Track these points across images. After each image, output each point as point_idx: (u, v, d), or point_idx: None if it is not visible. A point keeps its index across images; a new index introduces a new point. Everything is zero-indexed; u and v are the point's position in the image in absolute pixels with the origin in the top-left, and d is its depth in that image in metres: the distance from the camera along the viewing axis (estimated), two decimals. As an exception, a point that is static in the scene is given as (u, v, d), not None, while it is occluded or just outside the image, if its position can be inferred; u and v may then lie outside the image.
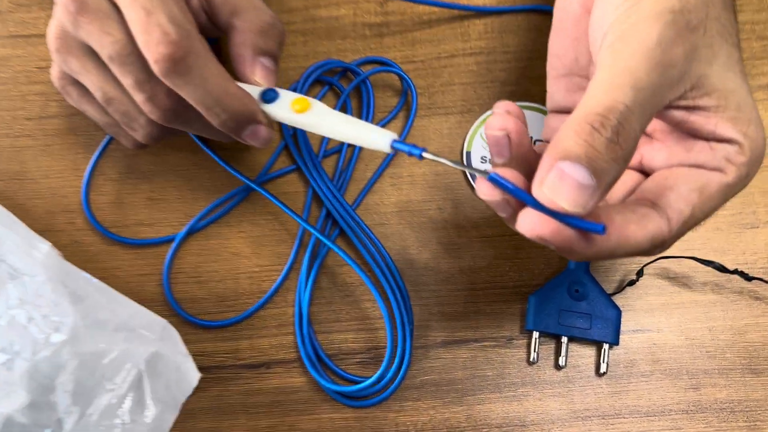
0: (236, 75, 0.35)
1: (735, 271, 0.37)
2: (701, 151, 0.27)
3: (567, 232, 0.23)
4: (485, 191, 0.25)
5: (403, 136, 0.41)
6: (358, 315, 0.38)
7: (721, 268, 0.37)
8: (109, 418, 0.33)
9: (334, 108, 0.41)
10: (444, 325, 0.38)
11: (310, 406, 0.37)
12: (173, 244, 0.39)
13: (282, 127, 0.41)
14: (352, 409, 0.37)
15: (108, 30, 0.31)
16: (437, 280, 0.39)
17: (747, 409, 0.37)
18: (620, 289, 0.38)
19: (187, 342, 0.37)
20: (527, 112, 0.41)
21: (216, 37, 0.38)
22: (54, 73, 0.36)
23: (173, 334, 0.36)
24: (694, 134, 0.27)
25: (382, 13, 0.44)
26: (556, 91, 0.33)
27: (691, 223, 0.27)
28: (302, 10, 0.44)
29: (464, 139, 0.41)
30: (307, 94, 0.41)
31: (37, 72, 0.43)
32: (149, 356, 0.35)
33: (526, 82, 0.42)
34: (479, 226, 0.40)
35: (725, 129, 0.26)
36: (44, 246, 0.36)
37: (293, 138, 0.40)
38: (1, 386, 0.33)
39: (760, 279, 0.37)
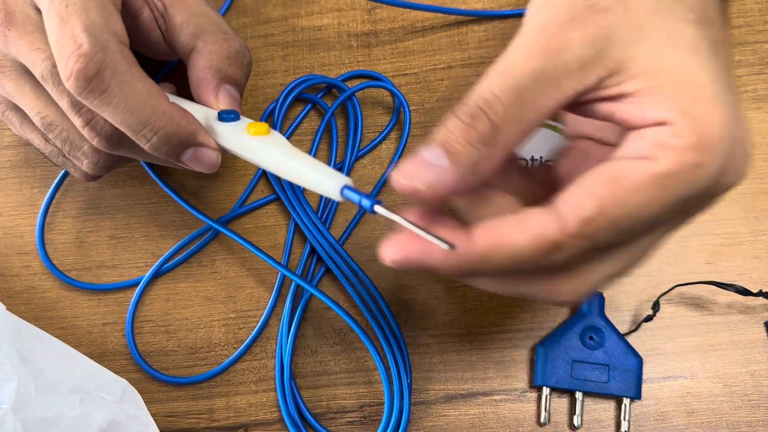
0: (197, 100, 0.30)
1: (759, 293, 0.33)
2: (629, 141, 0.23)
3: (415, 248, 0.22)
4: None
5: (395, 158, 0.37)
6: (349, 367, 0.34)
7: (743, 291, 0.32)
8: (59, 500, 0.29)
9: (317, 129, 0.37)
10: (447, 376, 0.34)
11: (295, 473, 0.32)
12: (137, 289, 0.35)
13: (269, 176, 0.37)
14: (343, 477, 0.32)
15: (37, 45, 0.27)
16: (437, 324, 0.34)
17: (798, 468, 0.32)
18: (636, 327, 0.33)
19: (154, 401, 0.33)
20: (554, 134, 0.36)
21: (169, 60, 0.33)
22: None
23: (135, 396, 0.32)
24: (628, 125, 0.23)
25: (370, 21, 0.39)
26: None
27: (602, 222, 0.22)
28: (281, 20, 0.39)
29: None
30: (287, 113, 0.37)
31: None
32: (107, 424, 0.30)
33: (533, 95, 0.37)
34: (484, 261, 0.35)
35: (654, 110, 0.22)
36: (-14, 298, 0.32)
37: None
38: (-64, 464, 0.29)
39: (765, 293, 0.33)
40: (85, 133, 0.29)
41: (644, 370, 0.33)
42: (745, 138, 0.22)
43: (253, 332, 0.34)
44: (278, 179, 0.36)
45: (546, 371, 0.32)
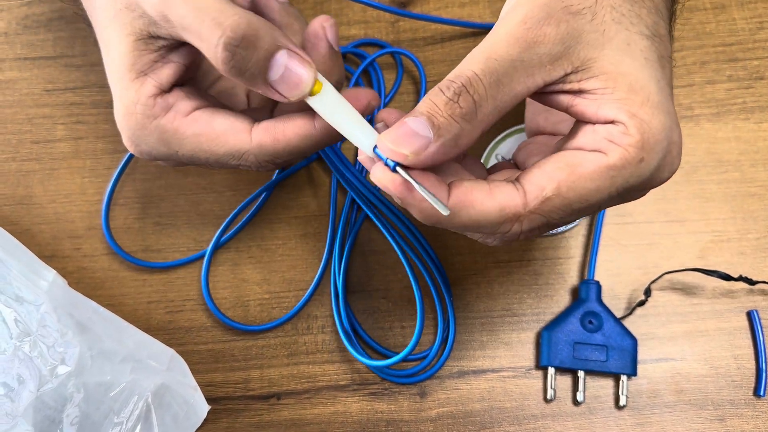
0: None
1: (739, 278, 0.36)
2: (584, 134, 0.26)
3: (403, 182, 0.25)
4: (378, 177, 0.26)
5: None
6: (396, 309, 0.37)
7: (725, 277, 0.36)
8: (116, 453, 0.32)
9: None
10: (460, 354, 0.37)
11: (323, 438, 0.36)
12: (205, 259, 0.38)
13: None
14: (365, 442, 0.36)
15: None
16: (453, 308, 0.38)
17: (776, 442, 0.35)
18: (631, 311, 0.37)
19: (195, 372, 0.36)
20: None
21: None
22: None
23: (181, 364, 0.35)
24: (582, 118, 0.26)
25: (394, 32, 0.43)
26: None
27: (558, 202, 0.25)
28: (313, 30, 0.43)
29: (481, 158, 0.40)
30: None
31: (44, 95, 0.43)
32: (157, 388, 0.34)
33: (542, 102, 0.41)
34: (495, 252, 0.38)
35: (608, 110, 0.25)
36: (50, 274, 0.35)
37: None
38: (5, 419, 0.33)
39: (764, 282, 0.37)
40: None
41: (638, 352, 0.36)
42: (679, 142, 0.26)
43: (292, 310, 0.38)
44: None
45: (550, 353, 0.36)
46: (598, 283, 0.37)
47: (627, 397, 0.35)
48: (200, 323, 0.38)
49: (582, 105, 0.26)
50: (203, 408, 0.35)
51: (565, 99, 0.26)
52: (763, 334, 0.37)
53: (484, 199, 0.25)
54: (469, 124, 0.25)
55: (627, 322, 0.37)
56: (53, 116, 0.42)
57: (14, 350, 0.34)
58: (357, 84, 0.41)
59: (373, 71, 0.41)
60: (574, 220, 0.27)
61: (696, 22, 0.42)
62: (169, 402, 0.34)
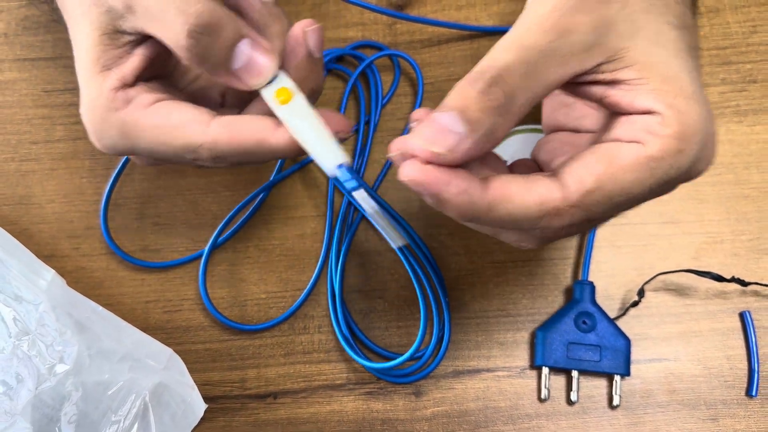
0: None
1: (732, 279, 0.37)
2: (620, 125, 0.25)
3: (435, 175, 0.24)
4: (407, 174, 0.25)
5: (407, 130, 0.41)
6: (394, 308, 0.38)
7: (718, 278, 0.36)
8: (113, 451, 0.33)
9: (345, 91, 0.41)
10: (455, 354, 0.37)
11: (319, 437, 0.36)
12: (203, 259, 0.38)
13: None
14: (361, 441, 0.36)
15: None
16: (450, 306, 0.38)
17: (768, 442, 0.36)
18: (624, 311, 0.37)
19: (192, 371, 0.37)
20: (526, 135, 0.40)
21: None
22: None
23: (179, 364, 0.35)
24: (617, 109, 0.26)
25: (391, 35, 0.43)
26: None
27: (599, 195, 0.25)
28: (310, 32, 0.43)
29: None
30: None
31: (43, 95, 0.43)
32: (155, 387, 0.34)
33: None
34: (492, 252, 0.39)
35: (644, 100, 0.25)
36: (48, 273, 0.36)
37: None
38: (4, 417, 0.33)
39: (756, 283, 0.37)
40: None
41: (632, 353, 0.37)
42: (714, 133, 0.26)
43: (288, 310, 0.38)
44: None
45: (545, 353, 0.36)
46: (591, 284, 0.37)
47: (620, 396, 0.36)
48: (198, 323, 0.38)
49: (617, 96, 0.25)
50: (200, 407, 0.35)
51: (598, 90, 0.26)
52: (755, 335, 0.37)
53: (523, 193, 0.25)
54: (502, 118, 0.24)
55: (621, 323, 0.37)
56: (52, 117, 0.43)
57: (13, 349, 0.34)
58: (354, 86, 0.42)
59: (371, 73, 0.42)
60: (613, 216, 0.27)
61: (690, 25, 0.43)
62: (167, 401, 0.34)
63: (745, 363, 0.37)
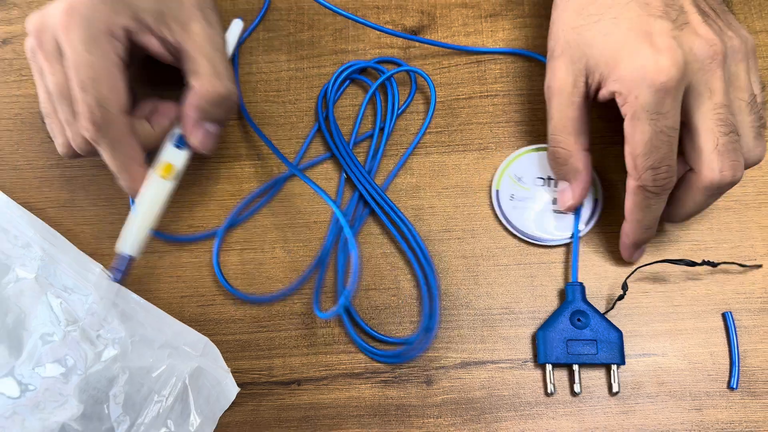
0: (181, 123, 0.40)
1: (702, 262, 0.40)
2: None
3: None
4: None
5: (423, 130, 0.45)
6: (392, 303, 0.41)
7: (690, 263, 0.40)
8: (157, 427, 0.36)
9: (363, 101, 0.46)
10: (462, 347, 0.41)
11: (339, 421, 0.40)
12: (215, 242, 0.42)
13: (320, 118, 0.46)
14: (378, 426, 0.39)
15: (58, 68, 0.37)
16: (456, 305, 0.42)
17: (746, 429, 0.39)
18: (612, 305, 0.41)
19: (224, 359, 0.40)
20: (539, 153, 0.44)
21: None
22: (28, 44, 0.39)
23: (214, 351, 0.39)
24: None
25: (405, 58, 0.47)
26: None
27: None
28: (332, 54, 0.47)
29: (492, 178, 0.44)
30: (338, 89, 0.47)
31: (86, 108, 0.47)
32: (192, 371, 0.38)
33: (539, 123, 0.45)
34: (495, 256, 0.43)
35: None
36: (96, 268, 0.39)
37: (326, 123, 0.46)
38: (57, 397, 0.36)
39: (725, 262, 0.41)
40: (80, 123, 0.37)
41: (624, 347, 0.40)
42: None
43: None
44: (332, 137, 0.45)
45: (546, 351, 0.40)
46: (581, 284, 0.41)
47: (618, 384, 0.39)
48: (228, 316, 0.42)
49: None
50: (233, 390, 0.38)
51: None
52: (736, 334, 0.41)
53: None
54: None
55: (614, 321, 0.41)
56: (95, 128, 0.46)
57: (65, 336, 0.38)
58: (373, 95, 0.46)
59: (389, 85, 0.46)
60: None
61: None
62: (203, 384, 0.38)
63: (727, 358, 0.40)
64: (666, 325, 0.41)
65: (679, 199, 0.38)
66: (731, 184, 0.37)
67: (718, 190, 0.37)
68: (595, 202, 0.43)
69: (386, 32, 0.46)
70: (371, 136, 0.45)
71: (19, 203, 0.43)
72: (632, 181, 0.37)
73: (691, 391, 0.40)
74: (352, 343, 0.41)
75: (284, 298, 0.42)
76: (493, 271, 0.42)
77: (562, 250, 0.43)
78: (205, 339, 0.39)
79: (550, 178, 0.43)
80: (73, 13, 0.35)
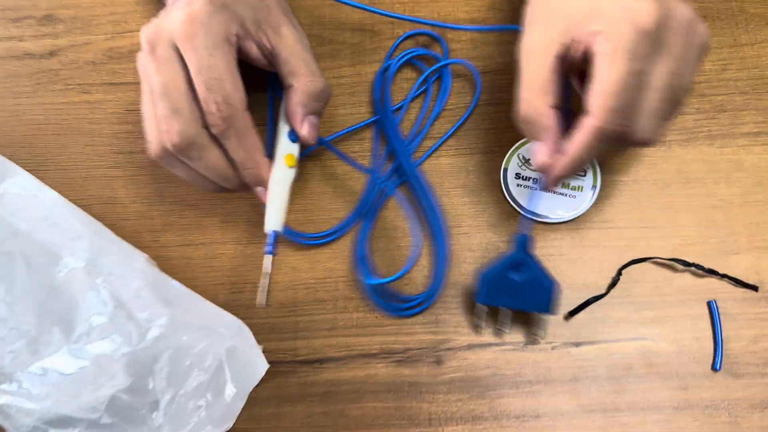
0: (288, 121, 0.45)
1: (692, 264, 0.44)
2: None
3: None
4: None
5: (457, 124, 0.50)
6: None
7: (682, 262, 0.44)
8: (197, 398, 0.40)
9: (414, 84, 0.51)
10: (468, 331, 0.45)
11: (357, 396, 0.44)
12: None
13: (376, 106, 0.50)
14: (393, 401, 0.44)
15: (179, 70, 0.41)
16: (463, 294, 0.46)
17: (728, 407, 0.43)
18: (607, 291, 0.45)
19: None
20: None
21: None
22: (140, 54, 0.43)
23: (247, 332, 0.43)
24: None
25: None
26: None
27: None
28: (349, 66, 0.52)
29: (503, 158, 0.48)
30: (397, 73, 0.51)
31: (126, 114, 0.52)
32: (227, 349, 0.42)
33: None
34: (499, 248, 0.47)
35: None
36: (141, 257, 0.44)
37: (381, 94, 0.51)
38: (106, 371, 0.41)
39: (713, 270, 0.45)
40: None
41: (616, 334, 0.44)
42: None
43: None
44: (382, 106, 0.50)
45: (482, 294, 0.43)
46: (526, 235, 0.43)
47: (545, 331, 0.44)
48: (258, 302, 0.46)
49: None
50: (263, 366, 0.43)
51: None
52: (719, 321, 0.44)
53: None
54: None
55: (608, 308, 0.45)
56: (134, 132, 0.51)
57: (113, 318, 0.42)
58: (425, 82, 0.51)
59: (443, 73, 0.51)
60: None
61: (670, 63, 0.51)
62: (237, 360, 0.42)
63: (711, 343, 0.44)
64: (655, 312, 0.45)
65: (574, 140, 0.39)
66: (620, 134, 0.37)
67: (605, 137, 0.38)
68: (593, 189, 0.47)
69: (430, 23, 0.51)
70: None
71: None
72: (591, 120, 0.37)
73: (678, 372, 0.44)
74: (370, 327, 0.45)
75: (398, 279, 0.46)
76: (497, 263, 0.47)
77: (560, 243, 0.47)
78: (239, 321, 0.43)
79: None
80: (194, 22, 0.40)
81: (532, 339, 0.44)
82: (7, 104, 0.52)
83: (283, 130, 0.45)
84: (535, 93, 0.39)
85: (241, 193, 0.46)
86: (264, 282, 0.39)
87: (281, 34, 0.43)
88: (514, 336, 0.45)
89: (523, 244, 0.44)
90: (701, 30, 0.39)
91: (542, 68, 0.39)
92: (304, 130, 0.44)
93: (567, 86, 0.41)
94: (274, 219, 0.43)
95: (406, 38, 0.52)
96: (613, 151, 0.44)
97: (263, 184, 0.43)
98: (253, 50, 0.43)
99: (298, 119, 0.44)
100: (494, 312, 0.44)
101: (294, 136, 0.45)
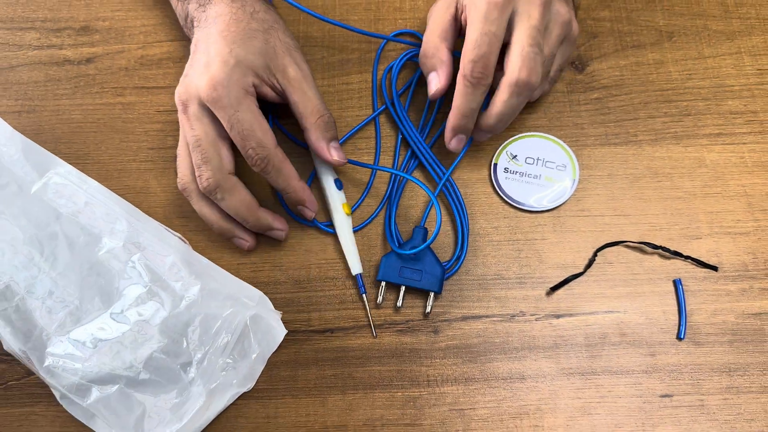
0: (319, 157, 0.51)
1: (659, 247, 0.50)
2: None
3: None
4: None
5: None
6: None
7: (650, 245, 0.50)
8: (224, 356, 0.46)
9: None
10: (462, 305, 0.51)
11: (363, 361, 0.49)
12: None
13: (386, 99, 0.56)
14: (395, 365, 0.49)
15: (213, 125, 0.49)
16: (459, 272, 0.52)
17: (691, 371, 0.49)
18: (585, 269, 0.51)
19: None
20: (537, 140, 0.54)
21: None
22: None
23: (267, 302, 0.49)
24: None
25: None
26: None
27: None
28: (357, 74, 0.58)
29: (493, 154, 0.55)
30: (400, 72, 0.58)
31: (156, 114, 0.58)
32: (251, 316, 0.48)
33: (541, 114, 0.55)
34: (489, 234, 0.53)
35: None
36: (175, 236, 0.49)
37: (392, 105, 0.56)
38: (144, 334, 0.46)
39: (679, 254, 0.51)
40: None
41: (592, 307, 0.50)
42: None
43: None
44: (395, 110, 0.56)
45: (384, 271, 0.50)
46: (425, 228, 0.51)
47: (431, 306, 0.50)
48: (275, 279, 0.52)
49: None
50: (282, 332, 0.48)
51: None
52: (683, 296, 0.50)
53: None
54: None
55: (584, 285, 0.51)
56: (164, 130, 0.57)
57: (150, 288, 0.48)
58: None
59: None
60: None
61: (641, 73, 0.57)
62: (259, 326, 0.48)
63: (676, 316, 0.50)
64: (627, 289, 0.51)
65: (493, 100, 0.49)
66: (527, 84, 0.47)
67: (517, 88, 0.47)
68: (572, 182, 0.53)
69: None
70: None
71: (106, 189, 0.53)
72: (459, 73, 0.47)
73: (647, 341, 0.50)
74: (373, 302, 0.51)
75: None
76: (487, 247, 0.52)
77: (543, 230, 0.53)
78: (260, 292, 0.49)
79: (538, 159, 0.54)
80: (216, 86, 0.46)
81: (424, 312, 0.50)
82: (49, 105, 0.58)
83: (328, 183, 0.52)
84: (435, 36, 0.50)
85: (256, 231, 0.52)
86: (368, 313, 0.49)
87: (288, 76, 0.49)
88: (503, 309, 0.51)
89: (421, 235, 0.51)
90: (559, 8, 0.49)
91: (442, 21, 0.50)
92: (334, 156, 0.50)
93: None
94: (356, 264, 0.50)
95: (402, 33, 0.58)
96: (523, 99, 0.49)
97: (303, 203, 0.50)
98: (270, 93, 0.50)
99: (325, 150, 0.50)
100: (396, 288, 0.51)
101: (339, 184, 0.52)
